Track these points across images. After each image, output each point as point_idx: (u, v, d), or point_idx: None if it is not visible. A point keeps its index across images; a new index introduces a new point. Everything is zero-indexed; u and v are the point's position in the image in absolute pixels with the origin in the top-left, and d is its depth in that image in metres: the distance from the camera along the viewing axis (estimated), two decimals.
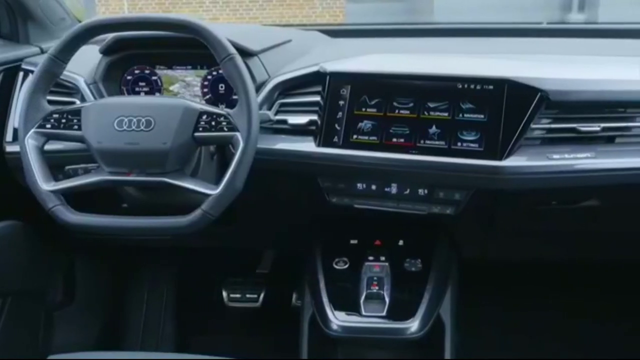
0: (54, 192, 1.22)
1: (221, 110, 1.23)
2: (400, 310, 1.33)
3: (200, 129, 1.21)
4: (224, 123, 1.21)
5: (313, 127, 1.34)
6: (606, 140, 1.28)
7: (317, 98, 1.35)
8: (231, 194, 1.19)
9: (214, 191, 1.18)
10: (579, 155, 1.24)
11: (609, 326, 1.92)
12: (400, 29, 2.03)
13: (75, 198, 1.26)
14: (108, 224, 1.23)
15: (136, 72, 1.49)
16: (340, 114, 1.32)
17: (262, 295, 1.92)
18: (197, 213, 1.18)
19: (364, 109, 1.32)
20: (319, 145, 1.32)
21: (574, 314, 1.94)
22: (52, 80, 1.27)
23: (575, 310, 1.95)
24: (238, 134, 1.20)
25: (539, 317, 1.93)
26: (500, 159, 1.23)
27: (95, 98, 1.41)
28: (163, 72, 1.50)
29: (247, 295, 1.92)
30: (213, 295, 1.96)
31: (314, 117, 1.34)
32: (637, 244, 1.59)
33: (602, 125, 1.26)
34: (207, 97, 1.48)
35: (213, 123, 1.21)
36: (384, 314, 1.32)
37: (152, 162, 1.22)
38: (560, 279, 1.89)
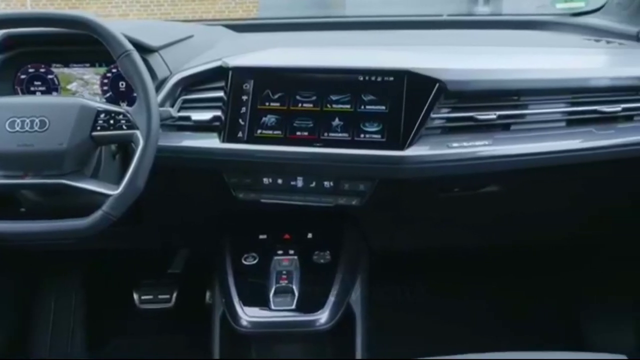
0: None
1: (120, 108, 1.20)
2: (309, 303, 1.33)
3: (99, 128, 1.18)
4: (123, 121, 1.18)
5: (217, 123, 1.33)
6: (502, 127, 1.33)
7: (221, 94, 1.34)
8: (132, 194, 1.16)
9: (115, 191, 1.16)
10: (477, 143, 1.28)
11: (517, 308, 1.99)
12: (305, 22, 2.04)
13: None
14: (2, 229, 1.18)
15: (30, 70, 1.43)
16: (243, 109, 1.31)
17: (174, 296, 1.88)
18: (97, 214, 1.15)
19: (267, 104, 1.31)
20: (223, 141, 1.31)
21: (483, 298, 2.00)
22: None
23: (486, 294, 2.01)
24: (138, 132, 1.17)
25: (450, 303, 1.98)
26: (402, 148, 1.25)
27: None
28: (59, 70, 1.44)
29: (160, 296, 1.88)
30: (124, 298, 1.91)
31: (218, 113, 1.33)
32: (538, 226, 1.66)
33: (498, 113, 1.31)
34: (107, 95, 1.44)
35: (112, 122, 1.18)
36: (293, 307, 1.32)
37: (48, 163, 1.18)
38: (468, 264, 1.94)
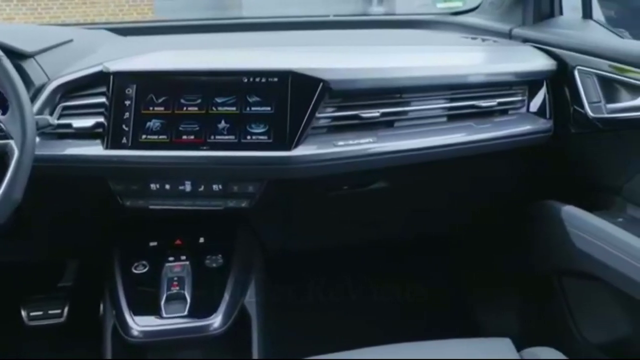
0: None
1: None
2: (202, 308, 1.32)
3: None
4: None
5: (100, 130, 1.29)
6: (386, 125, 1.37)
7: (103, 99, 1.30)
8: (8, 207, 1.11)
9: None
10: (362, 141, 1.31)
11: (414, 301, 2.04)
12: (195, 25, 2.02)
13: None
14: None
15: None
16: (127, 114, 1.28)
17: (66, 310, 1.81)
18: None
19: (151, 108, 1.29)
20: (106, 147, 1.28)
21: (380, 293, 2.04)
22: None
23: (383, 289, 2.05)
24: (12, 142, 1.12)
25: (348, 300, 2.00)
26: (288, 149, 1.26)
27: None
28: None
29: (50, 312, 1.80)
30: (11, 316, 1.82)
31: (101, 119, 1.29)
32: (428, 219, 1.71)
33: (382, 110, 1.34)
34: None
35: None
36: (185, 313, 1.30)
37: None
38: (364, 261, 1.98)
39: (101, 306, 1.70)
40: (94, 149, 1.28)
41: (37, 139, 1.26)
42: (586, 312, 1.57)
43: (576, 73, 1.43)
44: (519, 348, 1.19)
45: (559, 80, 1.48)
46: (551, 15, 1.69)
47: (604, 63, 1.37)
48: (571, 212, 1.41)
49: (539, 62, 1.49)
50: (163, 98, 1.29)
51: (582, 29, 1.60)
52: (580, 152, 1.48)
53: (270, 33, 1.94)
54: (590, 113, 1.39)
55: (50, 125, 1.27)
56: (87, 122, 1.30)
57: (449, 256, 2.08)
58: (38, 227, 1.44)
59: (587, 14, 1.61)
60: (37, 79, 1.31)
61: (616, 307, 1.45)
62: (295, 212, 1.49)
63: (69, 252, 1.74)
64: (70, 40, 1.51)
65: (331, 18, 1.95)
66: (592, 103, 1.39)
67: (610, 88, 1.37)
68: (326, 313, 1.94)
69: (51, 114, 1.30)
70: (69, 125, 1.29)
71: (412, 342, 1.21)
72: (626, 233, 1.27)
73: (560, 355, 1.17)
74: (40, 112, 1.27)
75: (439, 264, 2.11)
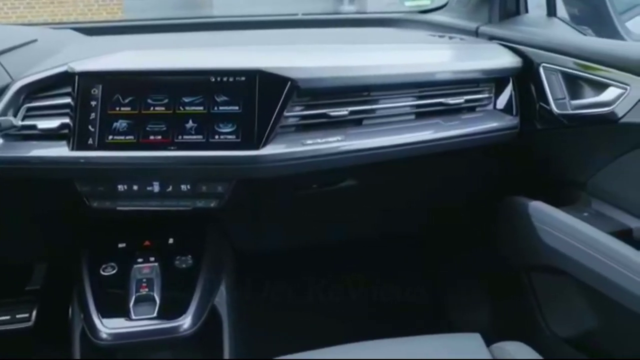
0: None
1: None
2: (172, 309, 1.31)
3: None
4: None
5: (65, 131, 1.27)
6: (355, 123, 1.37)
7: (68, 100, 1.28)
8: None
9: None
10: (330, 139, 1.31)
11: (388, 299, 2.05)
12: (161, 24, 2.00)
13: None
14: None
15: None
16: (93, 115, 1.27)
17: (34, 314, 1.78)
18: None
19: (117, 108, 1.27)
20: (72, 149, 1.26)
21: (353, 292, 2.05)
22: None
23: (355, 287, 2.06)
24: None
25: (321, 299, 2.00)
26: (257, 148, 1.26)
27: None
28: None
29: (18, 316, 1.77)
30: None
31: (66, 120, 1.27)
32: (399, 217, 1.72)
33: (350, 109, 1.35)
34: None
35: None
36: (154, 315, 1.29)
37: None
38: (336, 259, 1.98)
39: (70, 309, 1.69)
40: (60, 150, 1.27)
41: (1, 141, 1.25)
42: (554, 307, 1.59)
43: (541, 70, 1.45)
44: (488, 343, 1.21)
45: (525, 77, 1.49)
46: (517, 13, 1.71)
47: (569, 60, 1.39)
48: (538, 208, 1.42)
49: (505, 60, 1.51)
50: (129, 98, 1.28)
51: (547, 26, 1.62)
52: (546, 148, 1.50)
53: (239, 32, 1.94)
54: (555, 109, 1.41)
55: (14, 126, 1.25)
56: (53, 123, 1.28)
57: (420, 254, 2.09)
58: (4, 230, 1.41)
59: (551, 12, 1.63)
60: None
61: (583, 301, 1.47)
62: (265, 212, 1.49)
63: (37, 255, 1.72)
64: (35, 40, 1.49)
65: (300, 17, 1.95)
66: (557, 100, 1.41)
67: (574, 85, 1.39)
68: (298, 312, 1.94)
69: (15, 115, 1.28)
70: (33, 127, 1.28)
71: (382, 340, 1.22)
72: (591, 227, 1.29)
73: (528, 349, 1.18)
74: (4, 113, 1.25)
75: (411, 262, 2.12)
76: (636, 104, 1.23)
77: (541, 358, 1.16)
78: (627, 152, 1.29)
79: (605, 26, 1.59)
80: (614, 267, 1.20)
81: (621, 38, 1.53)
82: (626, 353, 1.37)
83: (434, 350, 1.21)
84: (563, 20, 1.62)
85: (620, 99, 1.26)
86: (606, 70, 1.31)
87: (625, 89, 1.26)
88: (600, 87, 1.32)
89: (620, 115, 1.26)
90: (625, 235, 1.28)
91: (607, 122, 1.30)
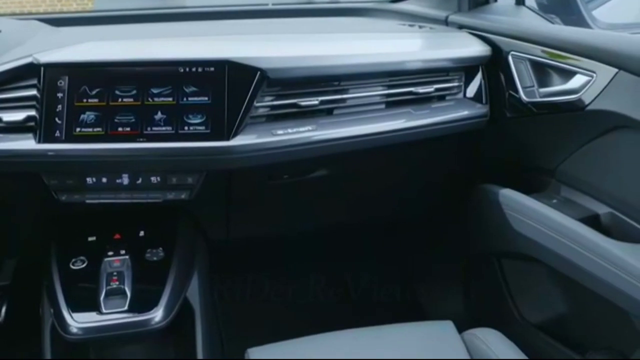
0: None
1: None
2: (143, 302, 1.30)
3: None
4: None
5: (32, 123, 1.25)
6: (326, 112, 1.37)
7: (34, 92, 1.26)
8: None
9: None
10: (301, 129, 1.31)
11: (362, 287, 2.06)
12: (130, 15, 1.98)
13: None
14: None
15: None
16: (59, 107, 1.25)
17: (3, 310, 1.76)
18: None
19: (85, 100, 1.25)
20: (39, 141, 1.24)
21: (327, 281, 2.05)
22: None
23: (330, 276, 2.07)
24: None
25: (296, 289, 2.01)
26: (227, 139, 1.25)
27: None
28: None
29: None
30: None
31: (32, 113, 1.25)
32: (370, 206, 1.73)
33: (321, 98, 1.34)
34: None
35: None
36: (125, 308, 1.28)
37: None
38: (310, 248, 1.98)
39: (40, 305, 1.66)
40: (26, 143, 1.24)
41: None
42: (525, 293, 1.61)
43: (510, 58, 1.46)
44: (461, 330, 1.22)
45: (494, 65, 1.50)
46: (486, 2, 1.72)
47: (537, 48, 1.40)
48: (508, 195, 1.44)
49: (475, 48, 1.52)
50: (97, 90, 1.26)
51: (516, 15, 1.63)
52: (516, 135, 1.51)
53: (209, 22, 1.92)
54: (524, 97, 1.42)
55: None
56: (18, 115, 1.25)
57: (394, 243, 2.10)
58: None
59: (520, 0, 1.64)
60: None
61: (553, 287, 1.49)
62: (237, 202, 1.48)
63: (5, 250, 1.69)
64: None
65: (270, 7, 1.94)
66: (526, 88, 1.42)
67: (542, 73, 1.40)
68: (272, 304, 1.94)
69: None
70: None
71: (355, 329, 1.22)
72: (560, 214, 1.31)
73: (500, 335, 1.20)
74: None
75: (385, 250, 2.13)
76: (602, 91, 1.25)
77: (512, 344, 1.17)
78: (595, 139, 1.31)
79: (572, 15, 1.61)
80: (583, 253, 1.22)
81: (588, 26, 1.55)
82: (596, 338, 1.40)
83: (407, 337, 1.22)
84: (531, 9, 1.63)
85: (587, 87, 1.28)
86: (573, 58, 1.32)
87: (592, 77, 1.27)
88: (568, 74, 1.33)
89: (587, 102, 1.28)
90: (593, 221, 1.30)
91: (574, 109, 1.31)
